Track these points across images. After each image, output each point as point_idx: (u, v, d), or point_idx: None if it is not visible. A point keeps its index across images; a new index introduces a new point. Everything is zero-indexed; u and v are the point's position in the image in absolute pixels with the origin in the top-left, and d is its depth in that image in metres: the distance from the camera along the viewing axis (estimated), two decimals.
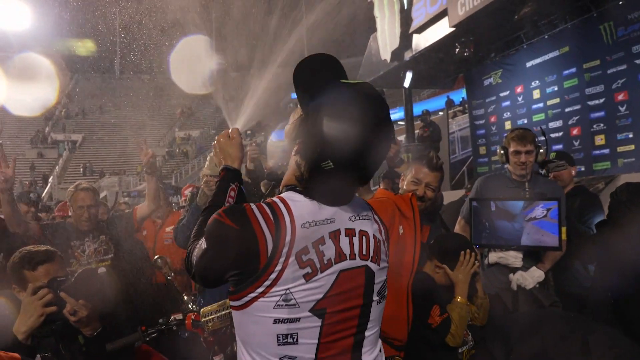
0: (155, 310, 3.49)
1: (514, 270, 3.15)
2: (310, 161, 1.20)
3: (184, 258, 1.37)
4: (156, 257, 2.89)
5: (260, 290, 1.16)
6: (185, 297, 2.50)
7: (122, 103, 46.27)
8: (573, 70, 7.84)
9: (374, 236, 1.30)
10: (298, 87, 1.25)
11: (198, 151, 37.42)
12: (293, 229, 1.17)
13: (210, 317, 1.95)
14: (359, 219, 1.29)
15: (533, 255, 3.19)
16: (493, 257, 3.26)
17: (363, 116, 1.15)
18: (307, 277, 1.16)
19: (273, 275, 1.15)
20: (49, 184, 32.87)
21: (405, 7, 9.39)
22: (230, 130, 1.72)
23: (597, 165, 7.48)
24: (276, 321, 1.16)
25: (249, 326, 1.21)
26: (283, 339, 1.17)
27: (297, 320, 1.17)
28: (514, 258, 3.16)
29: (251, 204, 1.22)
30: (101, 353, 1.96)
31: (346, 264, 1.22)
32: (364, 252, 1.26)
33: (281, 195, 1.27)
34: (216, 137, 1.72)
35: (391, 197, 2.44)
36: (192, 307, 2.39)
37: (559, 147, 8.02)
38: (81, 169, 36.45)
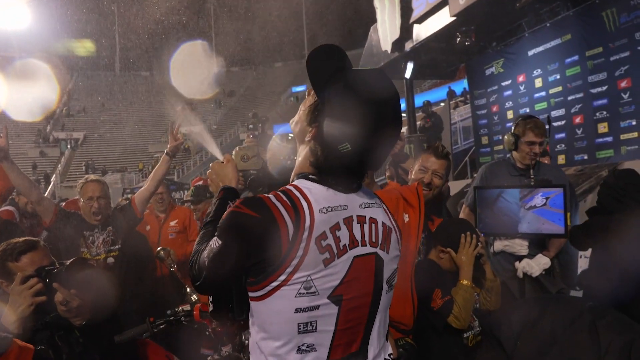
0: (160, 301, 3.50)
1: (520, 258, 3.15)
2: (328, 144, 1.22)
3: (189, 268, 1.33)
4: (159, 248, 2.88)
5: (282, 277, 1.16)
6: (188, 289, 2.49)
7: (122, 100, 46.27)
8: (575, 58, 7.78)
9: (383, 224, 1.32)
10: (312, 74, 1.26)
11: (200, 147, 37.40)
12: (312, 214, 1.18)
13: None
14: (369, 206, 1.30)
15: (539, 243, 3.19)
16: (498, 245, 3.26)
17: (380, 101, 1.20)
18: (326, 262, 1.18)
19: (295, 262, 1.15)
20: (52, 183, 32.92)
21: None
22: (223, 157, 1.76)
23: (600, 154, 7.46)
24: (297, 310, 1.17)
25: (269, 316, 1.21)
26: (303, 328, 1.18)
27: (317, 307, 1.18)
28: (519, 246, 3.16)
29: (266, 193, 1.23)
30: (98, 343, 1.95)
31: (358, 250, 1.24)
32: (373, 240, 1.28)
33: (294, 183, 1.28)
34: (210, 166, 1.74)
35: (397, 187, 2.49)
36: (194, 298, 2.39)
37: (562, 135, 8.01)
38: (83, 167, 36.48)
